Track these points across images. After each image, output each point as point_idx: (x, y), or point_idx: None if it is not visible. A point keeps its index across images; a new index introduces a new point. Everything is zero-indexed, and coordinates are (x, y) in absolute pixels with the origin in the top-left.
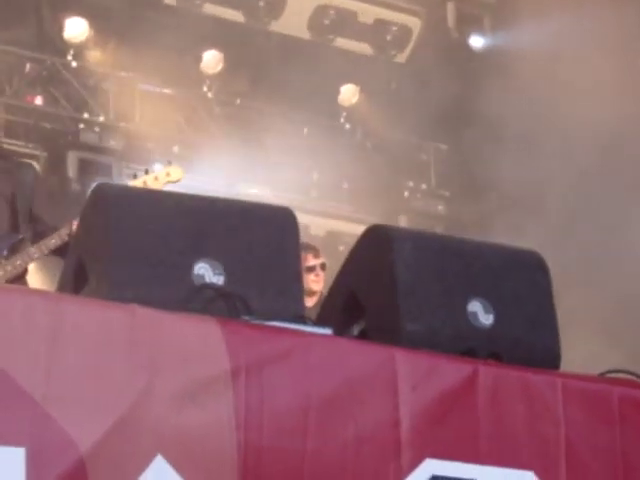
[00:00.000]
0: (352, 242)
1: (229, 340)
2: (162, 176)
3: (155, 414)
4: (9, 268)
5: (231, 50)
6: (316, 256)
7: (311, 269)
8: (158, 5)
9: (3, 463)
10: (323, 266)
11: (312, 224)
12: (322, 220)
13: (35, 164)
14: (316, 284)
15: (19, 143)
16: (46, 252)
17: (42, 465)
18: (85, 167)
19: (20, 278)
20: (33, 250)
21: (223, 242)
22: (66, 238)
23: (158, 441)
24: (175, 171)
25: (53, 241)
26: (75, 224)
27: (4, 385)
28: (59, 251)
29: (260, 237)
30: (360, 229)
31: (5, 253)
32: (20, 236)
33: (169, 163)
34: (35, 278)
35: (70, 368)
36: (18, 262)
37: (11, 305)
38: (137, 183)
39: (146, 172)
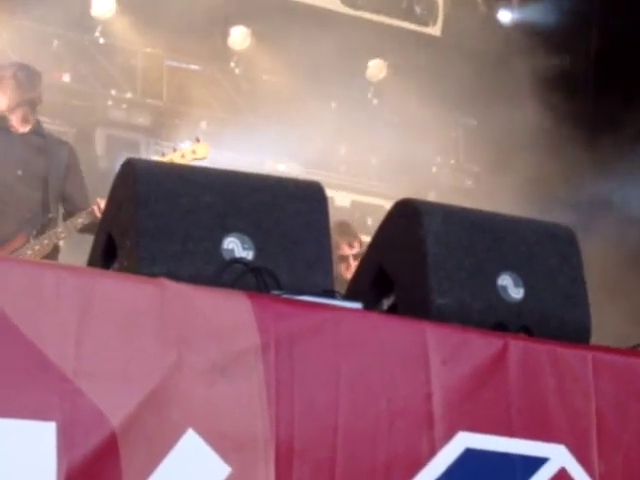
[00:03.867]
0: (379, 216)
1: (259, 314)
2: (188, 153)
3: (185, 388)
4: (37, 248)
5: (258, 25)
6: (351, 245)
7: (344, 259)
8: None
9: (34, 438)
10: (357, 257)
11: (337, 197)
12: (350, 195)
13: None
14: (348, 273)
15: (47, 120)
16: (73, 231)
17: (73, 439)
18: (113, 144)
19: (49, 257)
20: (60, 229)
21: (252, 217)
22: (93, 216)
23: (189, 415)
24: (201, 149)
25: (80, 220)
26: (102, 202)
27: (35, 359)
28: (88, 229)
29: (289, 212)
30: (387, 204)
31: (34, 233)
32: (50, 215)
33: (197, 141)
34: (67, 257)
35: (100, 342)
36: (46, 241)
37: (41, 280)
38: (164, 161)
39: (173, 150)
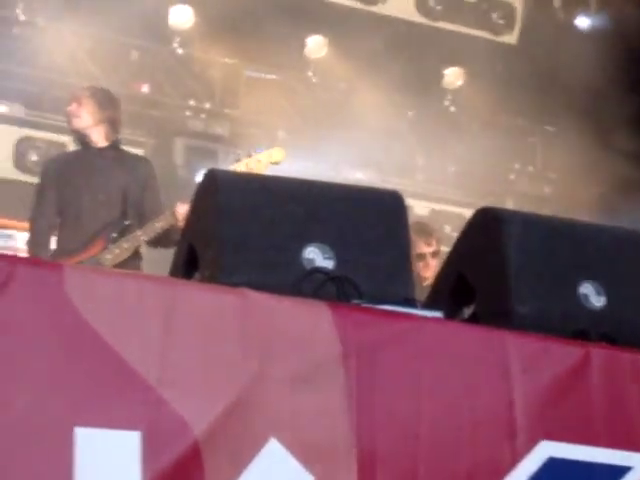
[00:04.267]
0: (458, 224)
1: (339, 324)
2: (264, 158)
3: (268, 397)
4: (117, 252)
5: (335, 34)
6: (428, 243)
7: (421, 257)
8: None
9: (119, 447)
10: (434, 254)
11: (417, 207)
12: (428, 204)
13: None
14: (425, 271)
15: (127, 131)
16: (152, 235)
17: (157, 449)
18: (191, 154)
19: (129, 262)
20: (140, 233)
21: (332, 226)
22: (172, 220)
23: (271, 424)
24: (277, 153)
25: (158, 224)
26: (181, 207)
27: (119, 369)
28: (163, 240)
29: (369, 221)
30: (466, 212)
31: (113, 237)
32: (128, 222)
33: (271, 146)
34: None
35: (183, 352)
36: (125, 245)
37: (125, 290)
38: (240, 166)
39: (249, 155)
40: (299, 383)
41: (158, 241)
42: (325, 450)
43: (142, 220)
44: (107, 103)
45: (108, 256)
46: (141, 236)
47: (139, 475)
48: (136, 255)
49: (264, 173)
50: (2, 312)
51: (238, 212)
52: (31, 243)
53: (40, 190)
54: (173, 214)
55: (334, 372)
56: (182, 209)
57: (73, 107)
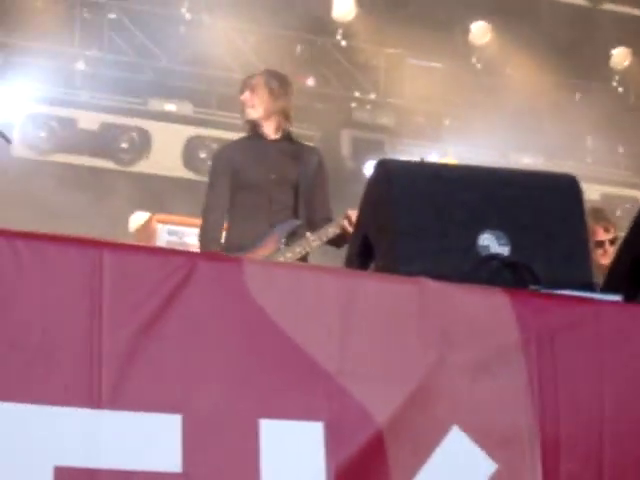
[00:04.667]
0: (631, 207)
1: (518, 310)
2: None
3: (448, 385)
4: (289, 255)
5: (499, 19)
6: (606, 230)
7: (599, 244)
8: None
9: (303, 438)
10: (612, 241)
11: (587, 190)
12: (599, 187)
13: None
14: (604, 258)
15: (293, 125)
16: (324, 240)
17: (340, 439)
18: (358, 145)
19: None
20: (312, 237)
21: (506, 212)
22: (344, 227)
23: (453, 412)
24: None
25: (331, 229)
26: (353, 215)
27: (300, 361)
28: (335, 241)
29: (544, 205)
30: (638, 195)
31: (284, 240)
32: (298, 222)
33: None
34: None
35: (363, 342)
36: (297, 249)
37: (303, 282)
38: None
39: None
40: (479, 370)
41: (328, 242)
42: (508, 437)
43: (311, 213)
44: (280, 91)
45: (280, 259)
46: (313, 241)
47: (324, 465)
48: (304, 259)
49: None
50: (185, 307)
51: (411, 201)
52: (203, 238)
53: (213, 178)
54: (345, 219)
55: (514, 358)
56: (354, 217)
57: (247, 96)
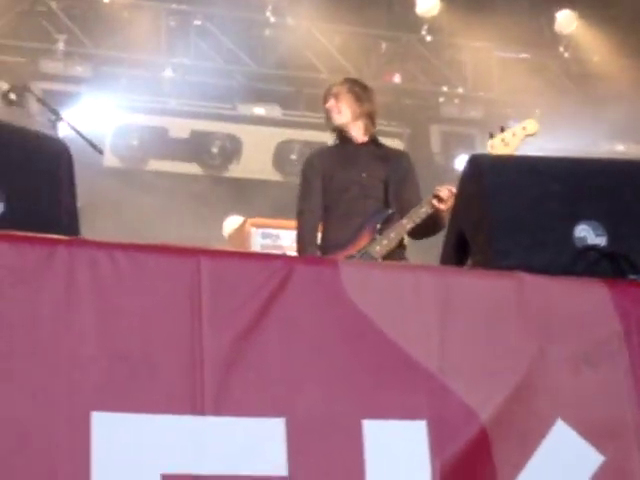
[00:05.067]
0: None
1: (617, 300)
2: (519, 131)
3: (551, 378)
4: (385, 242)
5: (585, 7)
6: None
7: None
8: None
9: (407, 437)
10: None
11: None
12: None
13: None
14: None
15: (382, 122)
16: (418, 221)
17: (444, 436)
18: (448, 140)
19: (395, 253)
20: (405, 221)
21: (601, 202)
22: (435, 205)
23: (557, 405)
24: (531, 125)
25: (422, 209)
26: (441, 191)
27: (401, 360)
28: (426, 229)
29: (639, 194)
30: None
31: (379, 227)
32: (390, 211)
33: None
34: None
35: (462, 338)
36: (392, 235)
37: (401, 282)
38: (495, 142)
39: (502, 129)
40: (580, 363)
41: (421, 230)
42: (613, 429)
43: (402, 212)
44: (364, 96)
45: (377, 247)
46: (407, 224)
47: (428, 464)
48: (401, 245)
49: (520, 146)
50: (283, 310)
51: (505, 195)
52: (300, 240)
53: (305, 184)
54: (435, 197)
55: (616, 349)
56: (443, 192)
57: (331, 103)
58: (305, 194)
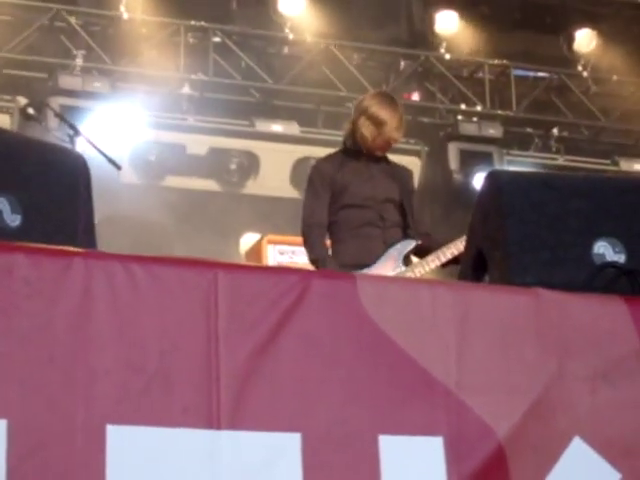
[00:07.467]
0: None
1: (636, 317)
2: None
3: (569, 395)
4: (409, 275)
5: (604, 26)
6: None
7: None
8: None
9: (423, 453)
10: None
11: None
12: None
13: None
14: None
15: (401, 140)
16: (443, 260)
17: (461, 453)
18: (466, 157)
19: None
20: (431, 258)
21: (622, 219)
22: (462, 248)
23: (574, 423)
24: None
25: (450, 251)
26: (461, 243)
27: (418, 376)
28: (452, 261)
29: None
30: None
31: (402, 260)
32: (414, 242)
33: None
34: None
35: (480, 355)
36: (417, 270)
37: (419, 298)
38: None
39: None
40: (599, 380)
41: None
42: (630, 447)
43: (417, 229)
44: None
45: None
46: (432, 262)
47: None
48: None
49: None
50: (300, 324)
51: (523, 211)
52: (316, 257)
53: (313, 195)
54: (462, 242)
55: (635, 367)
56: (462, 244)
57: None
58: (314, 207)
